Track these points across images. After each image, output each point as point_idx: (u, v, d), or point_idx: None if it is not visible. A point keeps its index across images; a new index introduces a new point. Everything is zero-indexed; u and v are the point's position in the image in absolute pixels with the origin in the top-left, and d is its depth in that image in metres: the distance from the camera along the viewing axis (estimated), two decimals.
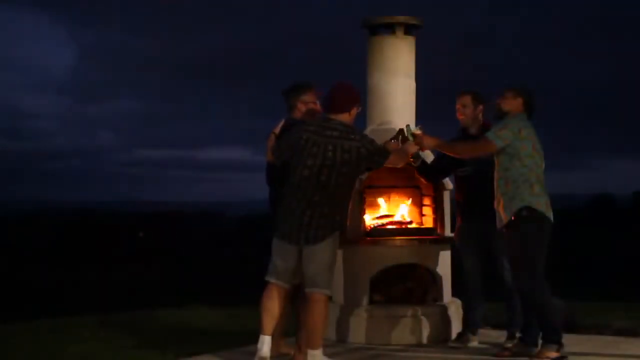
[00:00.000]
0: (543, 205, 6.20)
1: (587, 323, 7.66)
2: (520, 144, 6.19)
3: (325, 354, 5.92)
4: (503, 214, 6.25)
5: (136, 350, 7.13)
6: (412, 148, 6.19)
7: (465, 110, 6.91)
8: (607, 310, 9.13)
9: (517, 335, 6.61)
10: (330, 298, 6.10)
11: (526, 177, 6.18)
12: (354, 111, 6.02)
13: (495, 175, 6.34)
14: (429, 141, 6.38)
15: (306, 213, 5.82)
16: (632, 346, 6.83)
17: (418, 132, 6.30)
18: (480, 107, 6.93)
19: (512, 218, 6.17)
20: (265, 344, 5.86)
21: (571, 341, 6.54)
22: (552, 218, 6.25)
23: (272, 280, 5.95)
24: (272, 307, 5.91)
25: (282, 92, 6.50)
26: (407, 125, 6.36)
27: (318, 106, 6.36)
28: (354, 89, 6.09)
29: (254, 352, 5.95)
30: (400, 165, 6.25)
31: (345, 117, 5.96)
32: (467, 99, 6.92)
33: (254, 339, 6.05)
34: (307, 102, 6.39)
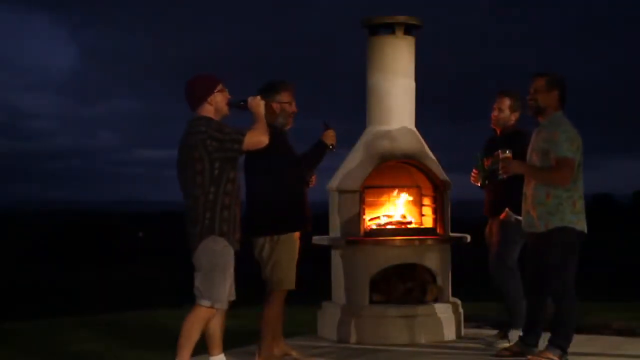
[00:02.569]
0: (582, 222, 6.02)
1: (587, 323, 7.65)
2: (578, 159, 5.97)
3: (323, 353, 5.89)
4: (536, 221, 6.01)
5: (136, 350, 7.13)
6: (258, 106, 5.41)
7: (500, 114, 6.78)
8: (607, 310, 9.13)
9: (510, 335, 6.65)
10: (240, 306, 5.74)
11: (571, 194, 5.96)
12: (213, 98, 5.34)
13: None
14: (516, 166, 6.04)
15: (185, 225, 5.39)
16: (632, 346, 6.83)
17: (509, 155, 6.00)
18: (517, 113, 6.75)
19: (545, 231, 5.97)
20: None
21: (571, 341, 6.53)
22: (586, 229, 6.06)
23: None
24: (212, 325, 5.50)
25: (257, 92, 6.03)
26: (499, 151, 6.02)
27: (294, 107, 6.04)
28: (205, 77, 5.38)
29: (254, 352, 5.95)
30: (265, 141, 5.39)
31: (206, 110, 5.35)
32: (504, 103, 6.77)
33: (254, 339, 6.05)
34: (282, 102, 6.03)
